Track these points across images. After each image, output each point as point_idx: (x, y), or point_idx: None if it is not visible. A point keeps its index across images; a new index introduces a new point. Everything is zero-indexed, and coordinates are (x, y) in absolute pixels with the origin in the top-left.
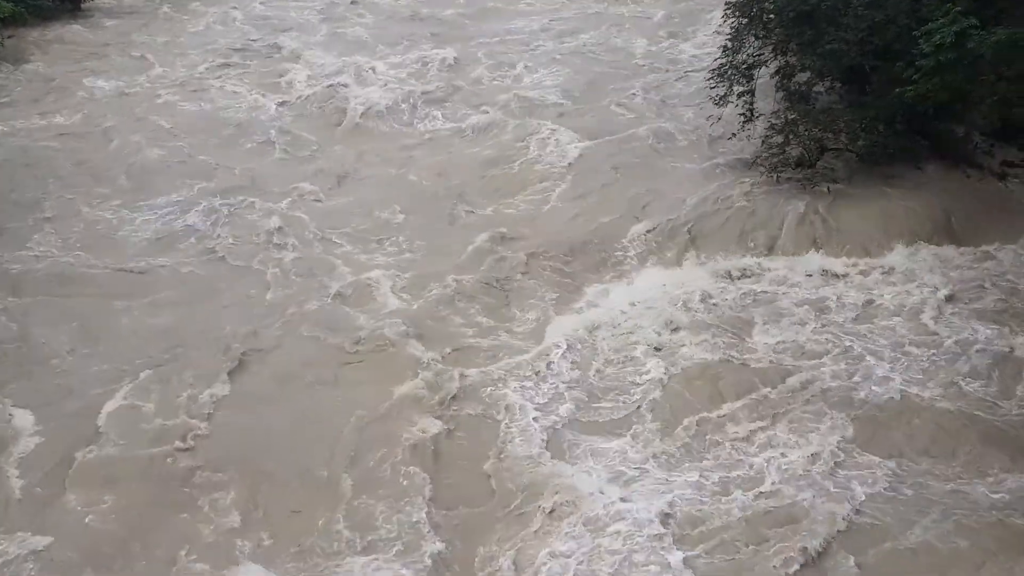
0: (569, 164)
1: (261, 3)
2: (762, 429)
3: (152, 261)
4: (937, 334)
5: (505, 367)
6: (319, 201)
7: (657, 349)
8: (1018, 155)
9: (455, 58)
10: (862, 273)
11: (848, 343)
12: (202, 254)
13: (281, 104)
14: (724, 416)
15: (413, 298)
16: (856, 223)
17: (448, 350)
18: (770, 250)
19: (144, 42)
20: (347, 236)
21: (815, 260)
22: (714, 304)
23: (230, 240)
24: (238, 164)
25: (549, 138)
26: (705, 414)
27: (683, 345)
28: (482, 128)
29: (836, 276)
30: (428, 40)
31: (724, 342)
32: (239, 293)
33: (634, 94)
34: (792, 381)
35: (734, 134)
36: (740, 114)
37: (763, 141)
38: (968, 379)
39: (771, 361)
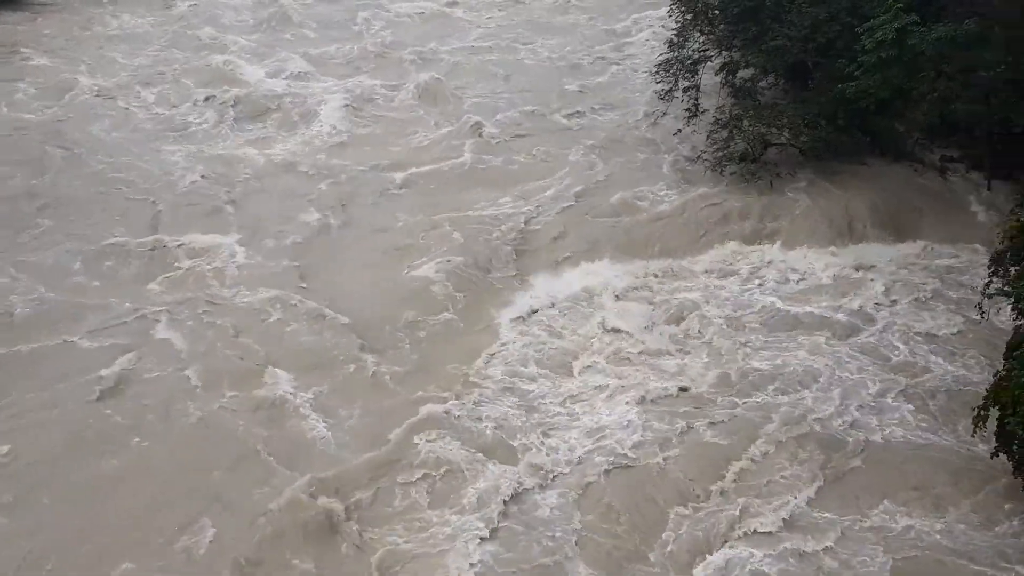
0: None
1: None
2: None
3: None
4: (875, 321)
5: None
6: None
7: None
8: (957, 150)
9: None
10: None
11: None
12: None
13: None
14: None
15: None
16: (798, 217)
17: None
18: (716, 242)
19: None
20: None
21: (757, 254)
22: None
23: None
24: None
25: None
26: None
27: None
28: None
29: (775, 268)
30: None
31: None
32: None
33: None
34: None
35: (680, 129)
36: (685, 109)
37: (708, 136)
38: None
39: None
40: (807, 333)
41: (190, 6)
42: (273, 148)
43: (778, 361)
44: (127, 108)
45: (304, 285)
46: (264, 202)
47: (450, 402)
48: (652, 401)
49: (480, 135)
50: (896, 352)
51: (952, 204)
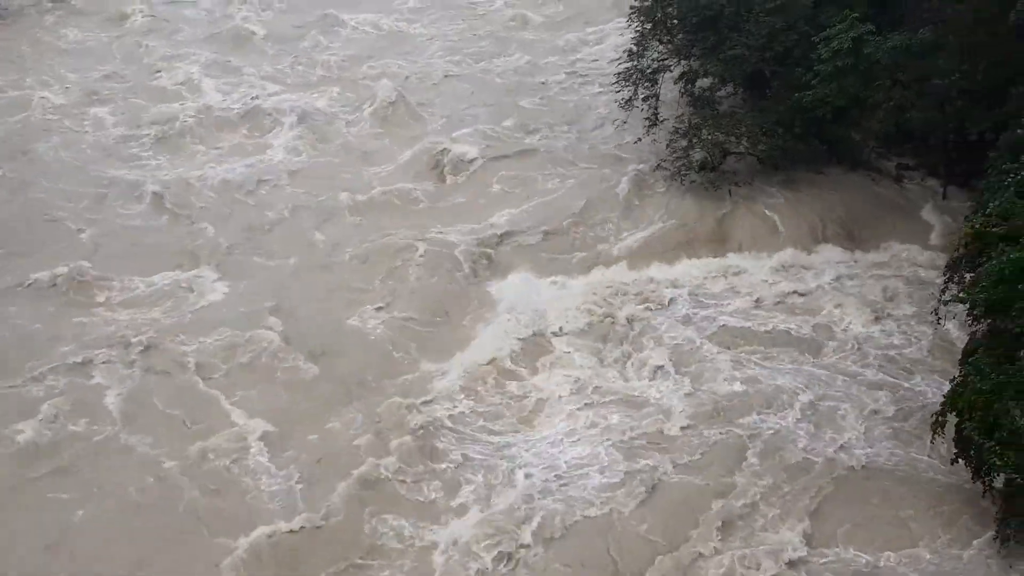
0: None
1: None
2: None
3: None
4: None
5: None
6: None
7: None
8: (913, 158)
9: None
10: (758, 276)
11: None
12: None
13: None
14: None
15: None
16: (757, 225)
17: None
18: (678, 251)
19: None
20: None
21: (715, 262)
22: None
23: None
24: None
25: None
26: None
27: None
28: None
29: (736, 275)
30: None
31: None
32: None
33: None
34: None
35: (640, 138)
36: (645, 118)
37: (668, 144)
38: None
39: None
40: (774, 350)
41: (145, 18)
42: (225, 173)
43: (744, 386)
44: (77, 128)
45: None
46: (213, 231)
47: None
48: (619, 440)
49: (440, 161)
50: (863, 365)
51: (908, 212)
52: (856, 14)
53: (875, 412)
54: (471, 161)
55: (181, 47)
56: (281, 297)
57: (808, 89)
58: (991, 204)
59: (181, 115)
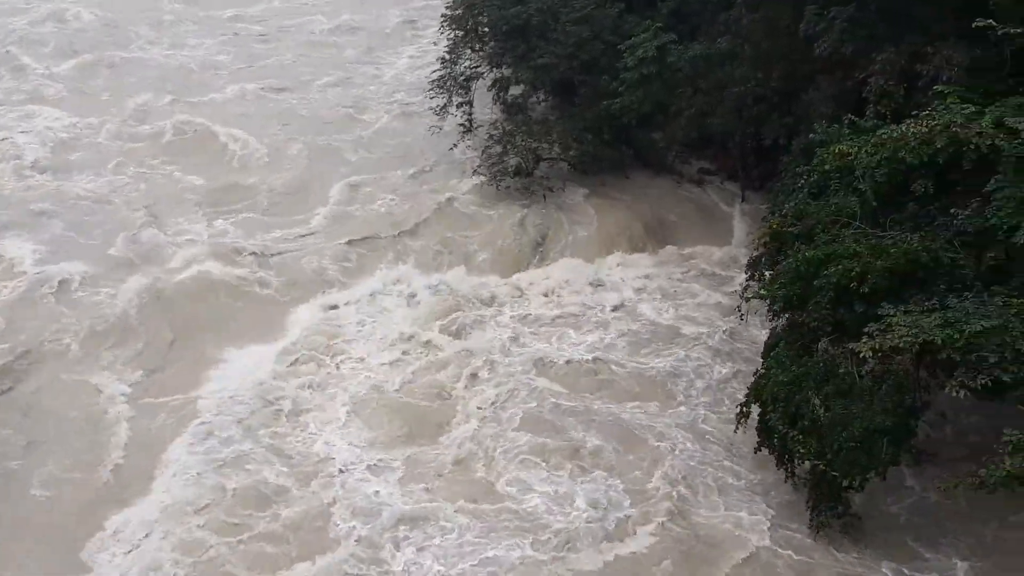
0: None
1: None
2: None
3: None
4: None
5: None
6: None
7: None
8: (713, 163)
9: None
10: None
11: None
12: None
13: None
14: None
15: None
16: (567, 232)
17: None
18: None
19: None
20: None
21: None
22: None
23: None
24: None
25: None
26: None
27: None
28: None
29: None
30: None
31: None
32: None
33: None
34: None
35: (455, 144)
36: (460, 124)
37: (483, 151)
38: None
39: None
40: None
41: None
42: None
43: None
44: None
45: None
46: None
47: None
48: None
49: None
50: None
51: (711, 214)
52: (659, 24)
53: None
54: None
55: None
56: None
57: (615, 96)
58: (787, 205)
59: None
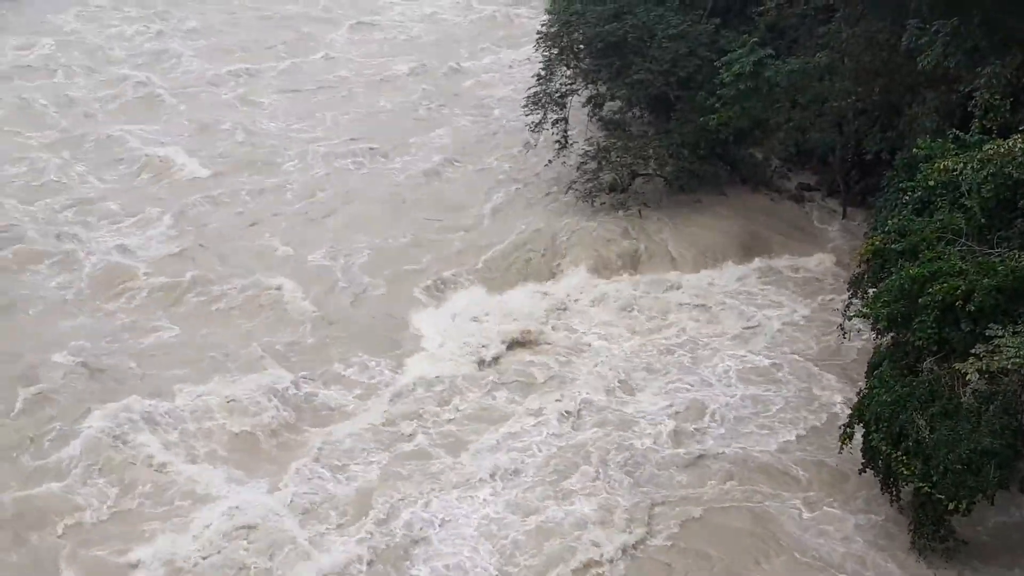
0: None
1: None
2: None
3: None
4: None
5: None
6: None
7: None
8: (812, 178)
9: None
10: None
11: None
12: None
13: None
14: None
15: None
16: (666, 245)
17: None
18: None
19: None
20: None
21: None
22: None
23: None
24: None
25: None
26: None
27: None
28: None
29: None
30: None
31: None
32: None
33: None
34: None
35: (550, 160)
36: (555, 141)
37: (578, 167)
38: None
39: None
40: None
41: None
42: None
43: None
44: None
45: None
46: None
47: None
48: None
49: None
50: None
51: (810, 230)
52: (755, 39)
53: None
54: None
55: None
56: None
57: (711, 112)
58: (890, 221)
59: None
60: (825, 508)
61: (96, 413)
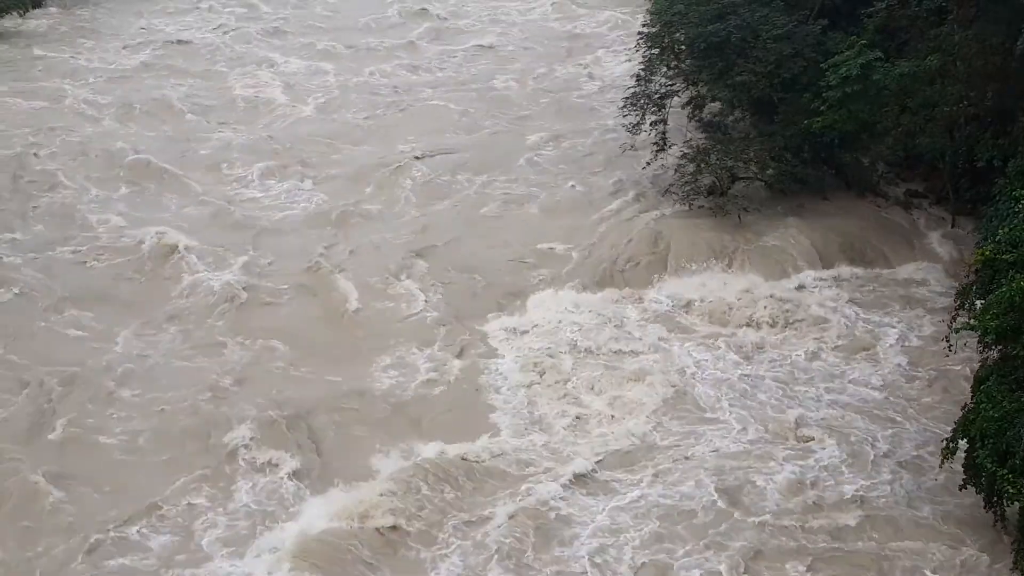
0: None
1: None
2: None
3: None
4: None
5: None
6: None
7: None
8: (920, 184)
9: None
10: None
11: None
12: None
13: None
14: None
15: None
16: (765, 251)
17: None
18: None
19: None
20: None
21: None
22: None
23: None
24: None
25: None
26: None
27: None
28: None
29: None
30: None
31: None
32: None
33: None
34: None
35: (648, 162)
36: (653, 143)
37: (676, 170)
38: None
39: None
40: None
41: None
42: None
43: None
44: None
45: None
46: None
47: None
48: None
49: None
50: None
51: (916, 239)
52: (864, 41)
53: None
54: None
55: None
56: None
57: (815, 114)
58: (1001, 231)
59: None
60: None
61: None
